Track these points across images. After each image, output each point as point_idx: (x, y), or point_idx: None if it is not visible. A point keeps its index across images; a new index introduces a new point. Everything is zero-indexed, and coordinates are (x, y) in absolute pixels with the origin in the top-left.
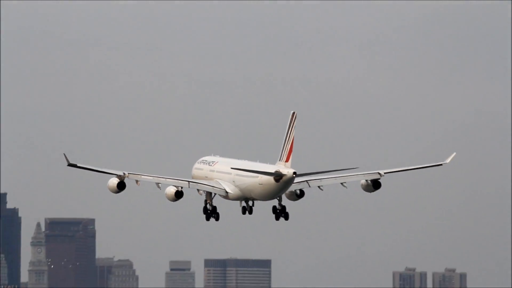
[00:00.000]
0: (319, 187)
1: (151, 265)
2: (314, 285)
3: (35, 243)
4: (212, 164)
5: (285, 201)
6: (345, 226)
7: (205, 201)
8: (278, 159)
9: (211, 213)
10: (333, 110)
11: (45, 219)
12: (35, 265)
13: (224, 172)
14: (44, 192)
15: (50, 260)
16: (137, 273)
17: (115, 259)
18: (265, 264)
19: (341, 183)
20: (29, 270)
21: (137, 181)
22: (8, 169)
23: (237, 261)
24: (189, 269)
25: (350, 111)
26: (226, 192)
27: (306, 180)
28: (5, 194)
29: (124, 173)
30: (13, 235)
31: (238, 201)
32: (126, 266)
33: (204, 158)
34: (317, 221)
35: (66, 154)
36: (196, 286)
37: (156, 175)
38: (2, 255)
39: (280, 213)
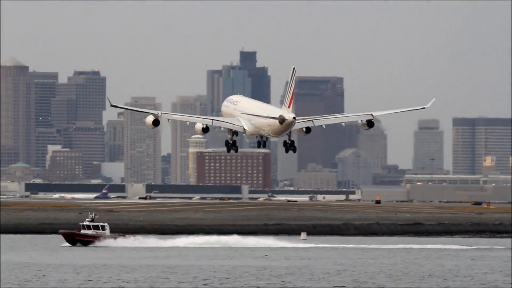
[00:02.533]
0: (322, 125)
1: (399, 124)
2: None
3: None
4: (236, 104)
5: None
6: None
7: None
8: (282, 105)
9: (231, 145)
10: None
11: None
12: None
13: (244, 112)
14: (293, 50)
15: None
16: (385, 132)
17: None
18: None
19: (340, 123)
20: None
21: (168, 119)
22: (259, 28)
23: (486, 120)
24: (437, 128)
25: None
26: (244, 129)
27: (312, 119)
28: (254, 52)
29: (158, 113)
30: (263, 94)
31: (255, 136)
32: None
33: (230, 97)
34: None
35: (108, 97)
36: (444, 145)
37: (185, 114)
38: None
39: (290, 146)
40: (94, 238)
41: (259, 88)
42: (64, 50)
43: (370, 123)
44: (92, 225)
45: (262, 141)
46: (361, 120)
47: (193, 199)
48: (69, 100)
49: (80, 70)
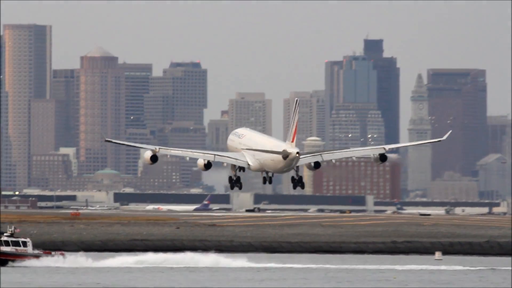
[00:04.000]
0: (331, 160)
1: None
2: None
3: (415, 98)
4: (241, 137)
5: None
6: None
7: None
8: (286, 139)
9: (235, 182)
10: None
11: (427, 70)
12: (416, 123)
13: (249, 146)
14: (425, 37)
15: (433, 117)
16: None
17: (510, 117)
18: None
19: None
20: (409, 129)
21: (167, 155)
22: (386, 12)
23: None
24: None
25: None
26: (248, 164)
27: (321, 154)
28: (381, 40)
29: (156, 148)
30: (391, 89)
31: (260, 172)
32: None
33: (236, 130)
34: None
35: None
36: None
37: (184, 149)
38: (378, 112)
39: (298, 182)
40: (14, 256)
41: (386, 81)
42: (159, 38)
43: (383, 157)
44: (12, 241)
45: (267, 177)
46: (374, 154)
47: (309, 211)
48: (165, 96)
49: (178, 62)
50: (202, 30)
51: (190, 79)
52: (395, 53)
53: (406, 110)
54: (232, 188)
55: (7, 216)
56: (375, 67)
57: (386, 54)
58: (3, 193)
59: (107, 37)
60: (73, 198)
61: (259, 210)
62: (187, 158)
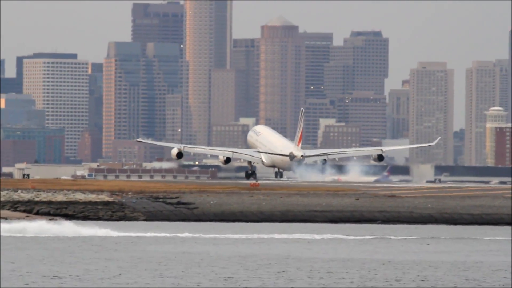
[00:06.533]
0: (335, 158)
1: None
2: None
3: None
4: (258, 135)
5: None
6: None
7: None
8: (294, 143)
9: (250, 175)
10: None
11: None
12: None
13: (263, 144)
14: None
15: None
16: None
17: None
18: None
19: (352, 156)
20: None
21: (192, 153)
22: None
23: None
24: None
25: None
26: (262, 161)
27: (326, 153)
28: None
29: (181, 146)
30: None
31: (272, 168)
32: None
33: (255, 128)
34: None
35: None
36: None
37: (207, 147)
38: None
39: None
40: None
41: None
42: (340, 6)
43: (380, 157)
44: None
45: (279, 172)
46: (372, 155)
47: (491, 183)
48: (345, 66)
49: (359, 31)
50: None
51: (371, 48)
52: None
53: None
54: (248, 178)
55: (187, 186)
56: None
57: None
58: (184, 162)
59: (287, 5)
60: None
61: (440, 181)
62: (208, 155)
